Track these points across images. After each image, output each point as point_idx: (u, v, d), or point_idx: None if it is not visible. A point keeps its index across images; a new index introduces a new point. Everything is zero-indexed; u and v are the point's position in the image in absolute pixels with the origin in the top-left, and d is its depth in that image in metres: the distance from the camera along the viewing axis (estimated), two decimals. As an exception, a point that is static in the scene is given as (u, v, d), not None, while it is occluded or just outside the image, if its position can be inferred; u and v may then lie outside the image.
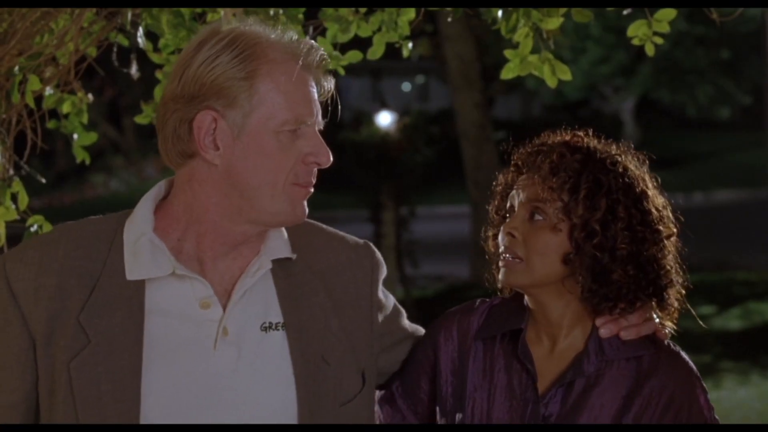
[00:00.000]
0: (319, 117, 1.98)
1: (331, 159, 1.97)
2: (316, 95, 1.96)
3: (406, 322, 2.25)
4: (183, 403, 1.90)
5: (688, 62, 26.60)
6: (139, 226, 1.97)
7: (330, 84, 2.00)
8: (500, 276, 2.12)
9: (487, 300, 2.24)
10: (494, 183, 2.23)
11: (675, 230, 2.13)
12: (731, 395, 9.22)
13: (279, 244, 2.03)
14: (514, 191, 2.13)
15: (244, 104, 1.91)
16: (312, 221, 2.14)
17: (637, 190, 2.09)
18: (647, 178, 2.13)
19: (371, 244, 2.18)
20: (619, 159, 2.11)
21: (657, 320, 2.13)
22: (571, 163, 2.08)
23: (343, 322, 2.06)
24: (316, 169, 1.98)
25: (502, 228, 2.13)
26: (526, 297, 2.16)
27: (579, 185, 2.06)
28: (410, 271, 12.03)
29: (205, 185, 1.96)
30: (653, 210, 2.10)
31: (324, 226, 2.17)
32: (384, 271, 2.17)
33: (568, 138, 2.15)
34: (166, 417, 1.89)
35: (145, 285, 1.94)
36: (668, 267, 2.10)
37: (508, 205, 2.15)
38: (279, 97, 1.92)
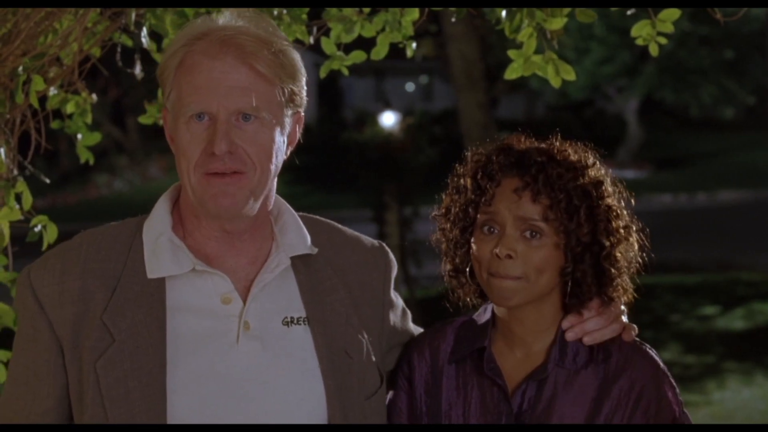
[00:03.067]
0: (233, 105, 1.89)
1: (223, 147, 1.89)
2: (229, 82, 1.89)
3: (411, 325, 2.27)
4: (209, 397, 1.92)
5: (692, 62, 26.55)
6: (157, 226, 2.00)
7: (274, 72, 1.92)
8: (496, 297, 2.09)
9: (454, 319, 2.25)
10: (452, 189, 2.18)
11: (633, 225, 2.17)
12: (735, 396, 9.21)
13: (297, 241, 2.05)
14: (493, 206, 2.08)
15: (170, 95, 1.95)
16: (331, 222, 2.17)
17: (616, 195, 2.13)
18: (609, 178, 2.17)
19: (385, 245, 2.21)
20: (597, 166, 2.14)
21: (625, 319, 2.15)
22: (567, 180, 2.07)
23: (361, 318, 2.09)
24: (228, 158, 1.90)
25: (493, 248, 2.07)
26: (494, 309, 2.17)
27: (577, 202, 2.07)
28: (414, 271, 12.03)
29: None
30: (623, 212, 2.14)
31: (342, 226, 2.19)
32: (395, 271, 2.20)
33: (545, 147, 2.13)
34: (193, 411, 1.91)
35: (166, 283, 1.97)
36: (628, 260, 2.15)
37: (482, 218, 2.10)
38: (184, 87, 1.92)
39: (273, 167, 1.96)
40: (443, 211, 2.19)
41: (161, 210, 2.03)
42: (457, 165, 2.20)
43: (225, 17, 1.95)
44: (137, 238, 2.00)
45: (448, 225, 2.17)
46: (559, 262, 2.08)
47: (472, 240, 2.13)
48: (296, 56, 1.98)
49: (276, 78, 1.92)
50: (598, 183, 2.11)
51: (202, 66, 1.90)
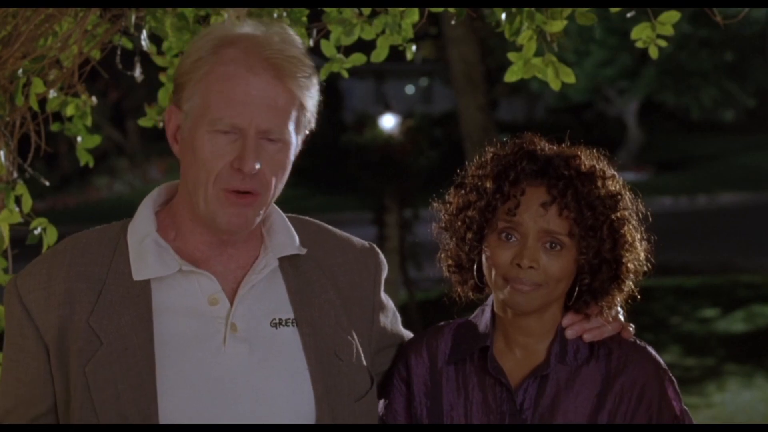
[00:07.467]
0: (265, 124, 1.89)
1: (254, 166, 1.88)
2: (265, 100, 1.89)
3: (401, 328, 2.26)
4: (197, 399, 1.91)
5: (692, 65, 26.54)
6: (142, 228, 1.99)
7: (305, 95, 1.93)
8: (513, 302, 2.10)
9: (451, 321, 2.25)
10: (468, 188, 2.16)
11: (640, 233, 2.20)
12: (735, 398, 9.22)
13: (285, 241, 2.03)
14: (517, 216, 2.08)
15: (191, 100, 1.92)
16: (320, 223, 2.16)
17: (634, 206, 2.15)
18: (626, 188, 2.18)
19: (375, 246, 2.19)
20: (616, 175, 2.15)
21: (622, 318, 2.17)
22: (594, 197, 2.09)
23: (351, 319, 2.07)
24: (249, 178, 1.89)
25: (514, 257, 2.08)
26: (494, 309, 2.17)
27: (602, 218, 2.08)
28: (413, 274, 12.03)
29: (180, 183, 2.00)
30: (636, 223, 2.16)
31: (332, 228, 2.17)
32: (386, 273, 2.19)
33: (570, 158, 2.13)
34: (184, 412, 1.90)
35: (151, 284, 1.96)
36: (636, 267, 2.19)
37: (501, 225, 2.10)
38: (215, 96, 1.89)
39: (282, 186, 1.97)
40: (454, 209, 2.18)
41: (145, 212, 2.01)
42: (471, 164, 2.20)
43: (249, 26, 1.93)
44: (122, 241, 1.99)
45: (459, 223, 2.16)
46: (575, 270, 2.10)
47: (485, 242, 2.12)
48: (318, 79, 1.99)
49: (305, 101, 1.93)
50: (619, 195, 2.12)
51: (238, 78, 1.88)
